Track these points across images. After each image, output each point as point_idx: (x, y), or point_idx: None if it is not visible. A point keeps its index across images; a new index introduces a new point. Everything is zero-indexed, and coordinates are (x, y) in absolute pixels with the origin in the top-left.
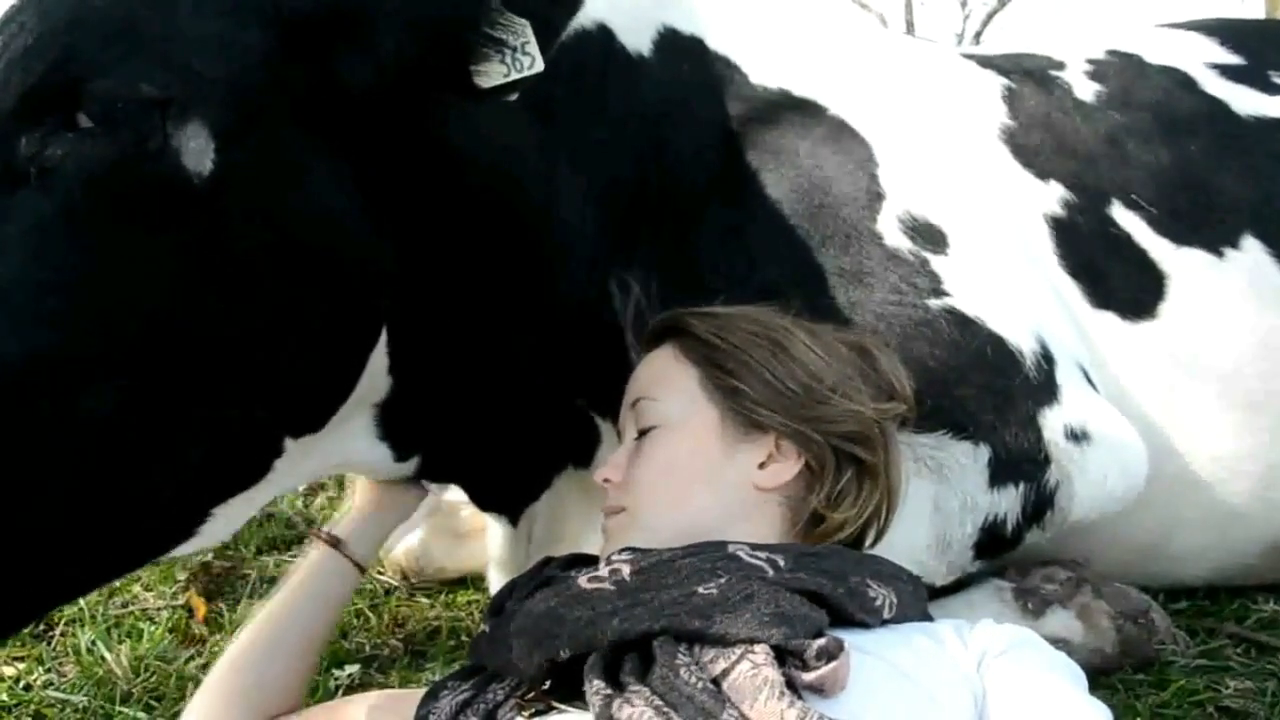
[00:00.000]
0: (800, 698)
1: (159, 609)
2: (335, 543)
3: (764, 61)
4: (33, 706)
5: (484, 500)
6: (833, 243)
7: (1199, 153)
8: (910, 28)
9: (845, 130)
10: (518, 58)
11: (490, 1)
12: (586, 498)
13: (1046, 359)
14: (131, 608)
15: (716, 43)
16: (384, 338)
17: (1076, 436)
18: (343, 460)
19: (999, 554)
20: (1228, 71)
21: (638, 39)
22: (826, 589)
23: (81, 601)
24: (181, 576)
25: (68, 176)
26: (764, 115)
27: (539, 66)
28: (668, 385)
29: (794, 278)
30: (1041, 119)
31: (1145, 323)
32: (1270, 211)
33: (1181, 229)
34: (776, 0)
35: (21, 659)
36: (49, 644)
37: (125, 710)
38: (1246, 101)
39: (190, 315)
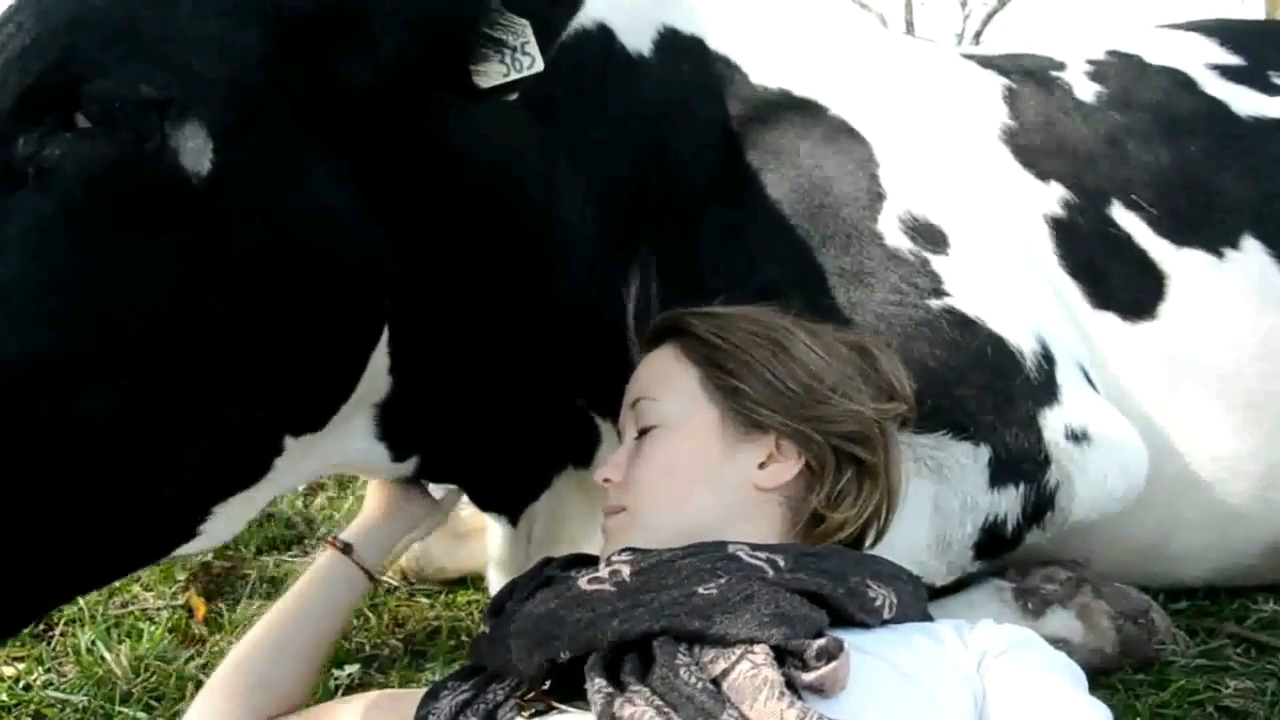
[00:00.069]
0: (800, 698)
1: (159, 609)
2: (346, 549)
3: (764, 61)
4: (33, 706)
5: (484, 500)
6: (833, 243)
7: (1199, 153)
8: (910, 28)
9: (846, 130)
10: (518, 58)
11: (490, 1)
12: (586, 498)
13: (1047, 359)
14: (131, 608)
15: (717, 43)
16: (385, 337)
17: (1077, 437)
18: (343, 460)
19: (999, 554)
20: (1228, 72)
21: (638, 39)
22: (826, 589)
23: (81, 601)
24: (181, 576)
25: (67, 177)
26: (764, 115)
27: (539, 66)
28: (668, 385)
29: (794, 278)
30: (1042, 119)
31: (1145, 323)
32: (1270, 212)
33: (1182, 229)
34: (776, 0)
35: (21, 659)
36: (49, 644)
37: (125, 710)
38: (1246, 102)
39: (190, 315)
